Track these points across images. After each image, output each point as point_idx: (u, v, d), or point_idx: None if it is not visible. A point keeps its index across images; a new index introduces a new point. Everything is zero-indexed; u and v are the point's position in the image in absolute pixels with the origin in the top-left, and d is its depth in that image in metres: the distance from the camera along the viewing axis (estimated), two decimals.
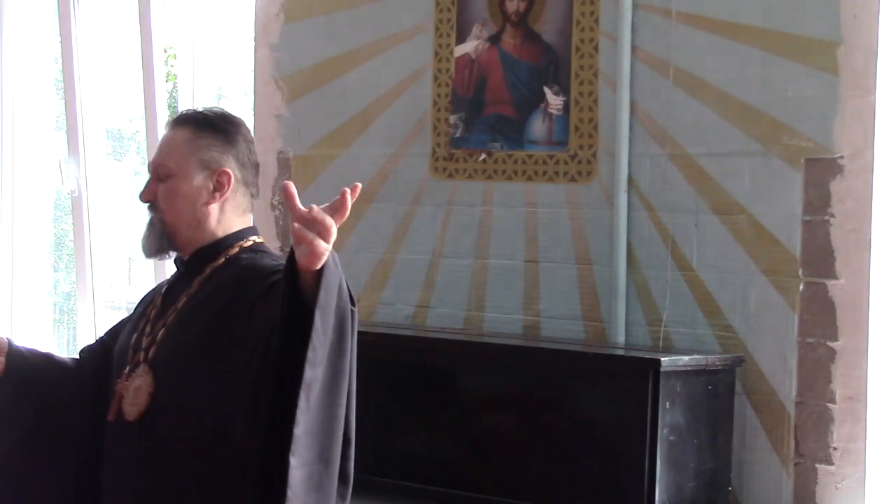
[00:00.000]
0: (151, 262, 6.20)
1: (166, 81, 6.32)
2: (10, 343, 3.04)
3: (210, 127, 2.94)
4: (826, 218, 4.25)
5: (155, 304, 2.99)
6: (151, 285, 6.30)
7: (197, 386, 2.79)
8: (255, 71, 5.65)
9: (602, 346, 4.58)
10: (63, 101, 6.61)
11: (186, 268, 2.96)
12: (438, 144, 5.08)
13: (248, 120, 5.29)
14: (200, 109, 3.02)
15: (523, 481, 4.30)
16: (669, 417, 4.08)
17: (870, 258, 4.18)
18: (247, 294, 2.78)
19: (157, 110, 6.15)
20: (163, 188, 2.92)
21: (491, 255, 4.94)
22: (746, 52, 4.40)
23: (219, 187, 2.91)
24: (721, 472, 4.27)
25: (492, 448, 4.44)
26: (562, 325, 4.76)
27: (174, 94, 6.31)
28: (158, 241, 2.93)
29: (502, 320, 4.89)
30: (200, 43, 6.18)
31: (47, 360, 3.11)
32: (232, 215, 2.94)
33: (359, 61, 5.30)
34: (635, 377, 4.11)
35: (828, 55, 4.24)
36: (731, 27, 4.43)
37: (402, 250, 5.15)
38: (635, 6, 4.61)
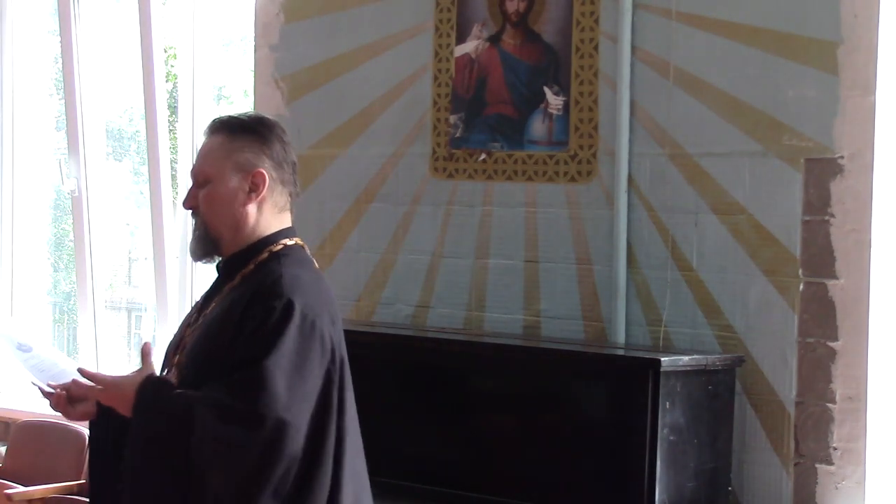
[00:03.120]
0: (152, 262, 6.28)
1: (166, 81, 6.31)
2: None
3: (243, 130, 3.01)
4: (826, 218, 4.24)
5: (198, 305, 3.09)
6: (151, 285, 6.38)
7: None
8: (255, 71, 5.64)
9: (602, 346, 4.58)
10: (63, 101, 6.61)
11: (221, 273, 3.06)
12: (438, 144, 5.08)
13: None
14: (234, 115, 3.09)
15: (523, 481, 4.30)
16: (669, 417, 4.08)
17: (870, 258, 4.18)
18: (239, 322, 2.86)
19: (157, 110, 6.15)
20: (202, 194, 3.01)
21: (491, 255, 4.94)
22: (746, 52, 4.40)
23: (254, 188, 2.99)
24: (721, 472, 4.27)
25: (492, 448, 4.43)
26: (562, 325, 4.75)
27: (174, 94, 6.31)
28: (203, 245, 3.03)
29: (502, 320, 4.89)
30: (200, 43, 6.18)
31: None
32: (270, 215, 3.01)
33: (359, 61, 5.30)
34: (635, 377, 4.11)
35: (828, 55, 4.23)
36: (731, 27, 4.43)
37: (402, 250, 5.15)
38: (635, 6, 4.61)
